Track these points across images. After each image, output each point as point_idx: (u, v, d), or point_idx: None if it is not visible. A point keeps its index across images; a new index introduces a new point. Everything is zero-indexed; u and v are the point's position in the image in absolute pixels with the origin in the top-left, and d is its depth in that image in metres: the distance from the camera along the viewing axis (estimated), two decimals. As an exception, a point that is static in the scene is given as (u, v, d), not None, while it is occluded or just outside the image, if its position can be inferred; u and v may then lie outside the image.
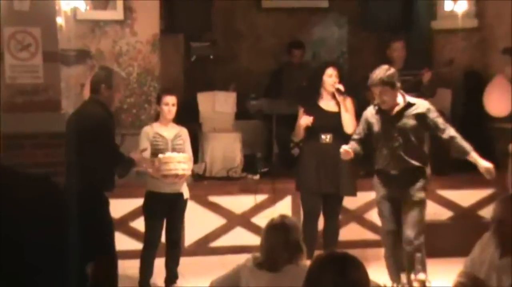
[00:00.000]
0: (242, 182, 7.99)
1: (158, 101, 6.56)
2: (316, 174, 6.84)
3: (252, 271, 4.06)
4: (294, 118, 7.09)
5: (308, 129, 6.88)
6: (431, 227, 7.79)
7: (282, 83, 8.99)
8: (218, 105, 8.56)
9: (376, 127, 6.24)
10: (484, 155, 8.51)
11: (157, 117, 6.72)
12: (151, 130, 6.49)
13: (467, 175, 8.30)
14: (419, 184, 6.16)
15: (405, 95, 6.24)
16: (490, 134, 8.67)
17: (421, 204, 6.16)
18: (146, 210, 6.51)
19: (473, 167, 8.35)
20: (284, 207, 7.60)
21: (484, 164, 6.07)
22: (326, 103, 6.94)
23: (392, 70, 6.20)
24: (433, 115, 6.15)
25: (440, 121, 6.18)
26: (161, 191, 6.36)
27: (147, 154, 6.33)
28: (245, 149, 8.42)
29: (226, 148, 8.20)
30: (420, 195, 6.16)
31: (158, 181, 6.32)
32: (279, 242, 3.99)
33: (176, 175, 6.28)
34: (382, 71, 6.13)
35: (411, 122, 6.13)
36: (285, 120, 7.87)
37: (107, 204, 5.75)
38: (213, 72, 9.59)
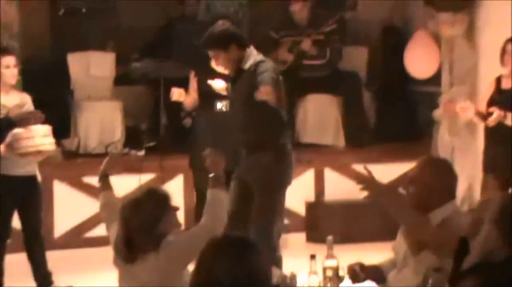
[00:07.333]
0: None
1: None
2: (212, 149, 6.81)
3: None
4: (186, 82, 7.07)
5: (201, 95, 6.85)
6: (346, 208, 7.91)
7: (171, 41, 8.92)
8: (93, 68, 8.49)
9: None
10: (406, 122, 8.73)
11: None
12: None
13: (386, 146, 8.46)
14: None
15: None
16: (412, 99, 8.82)
17: None
18: None
19: (394, 137, 8.55)
20: (175, 187, 7.58)
21: None
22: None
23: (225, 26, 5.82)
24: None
25: None
26: (13, 174, 6.18)
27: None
28: (127, 120, 8.42)
29: (104, 119, 8.15)
30: None
31: (8, 162, 6.13)
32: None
33: (39, 152, 6.14)
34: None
35: None
36: (175, 85, 7.80)
37: None
38: (86, 28, 9.44)
